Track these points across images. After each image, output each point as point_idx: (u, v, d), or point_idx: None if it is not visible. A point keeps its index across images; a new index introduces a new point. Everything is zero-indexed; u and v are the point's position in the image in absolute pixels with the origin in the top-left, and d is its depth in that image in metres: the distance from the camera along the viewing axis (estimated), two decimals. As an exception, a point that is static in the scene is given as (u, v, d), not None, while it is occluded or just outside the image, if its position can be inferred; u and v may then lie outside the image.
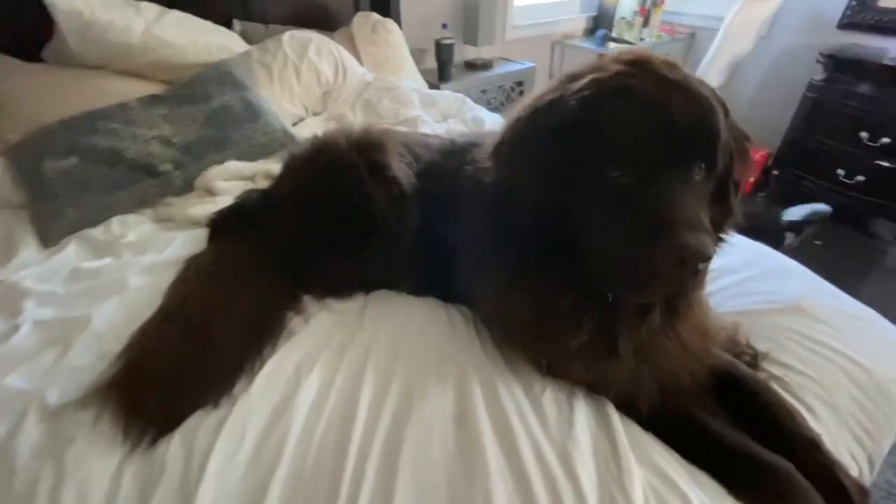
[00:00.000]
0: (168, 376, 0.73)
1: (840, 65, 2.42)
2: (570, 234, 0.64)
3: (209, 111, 1.32)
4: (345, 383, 0.74)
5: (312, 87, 1.62)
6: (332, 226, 0.90)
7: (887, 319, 0.95)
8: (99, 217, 1.16)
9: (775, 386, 0.78)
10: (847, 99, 2.39)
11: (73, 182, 1.17)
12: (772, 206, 2.50)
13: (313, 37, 1.67)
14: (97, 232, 1.13)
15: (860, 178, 2.41)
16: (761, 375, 0.79)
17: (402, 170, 0.91)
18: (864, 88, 2.34)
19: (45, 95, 1.35)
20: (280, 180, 1.00)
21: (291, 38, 1.63)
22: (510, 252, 0.72)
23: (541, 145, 0.63)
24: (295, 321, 0.86)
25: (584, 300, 0.66)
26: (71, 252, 1.08)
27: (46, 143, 1.22)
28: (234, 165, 1.27)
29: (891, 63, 2.29)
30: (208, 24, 1.63)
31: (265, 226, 0.96)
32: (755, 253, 1.10)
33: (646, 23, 3.01)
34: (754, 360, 0.83)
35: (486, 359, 0.78)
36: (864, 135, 2.35)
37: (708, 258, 0.55)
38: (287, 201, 0.94)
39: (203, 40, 1.57)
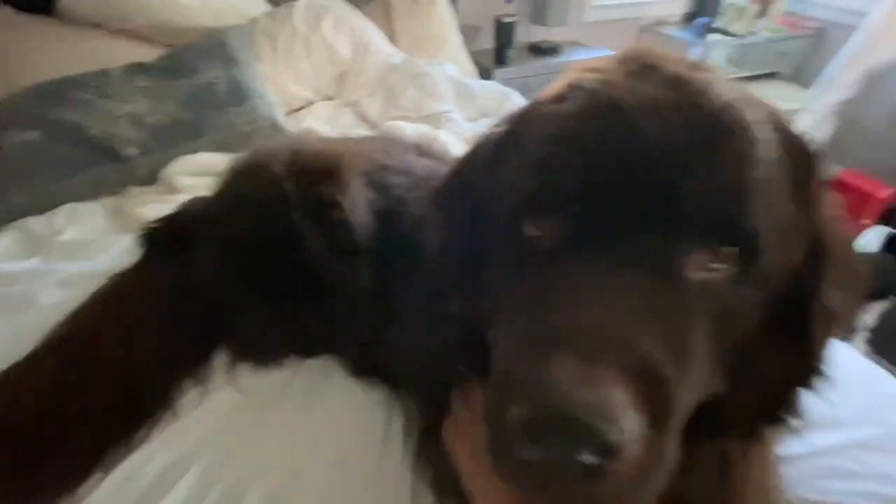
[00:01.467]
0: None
1: None
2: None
3: (190, 89, 1.13)
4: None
5: (324, 66, 1.38)
6: (257, 273, 0.67)
7: None
8: (48, 204, 1.02)
9: None
10: None
11: (29, 160, 1.03)
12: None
13: (333, 6, 1.41)
14: (39, 223, 0.99)
15: None
16: None
17: (358, 209, 0.66)
18: None
19: (33, 53, 1.23)
20: (217, 196, 0.78)
21: (308, 6, 1.38)
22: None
23: (459, 193, 0.42)
24: (188, 397, 0.66)
25: None
26: (2, 246, 0.94)
27: (14, 111, 1.09)
28: (204, 158, 1.08)
29: None
30: (226, -19, 1.42)
31: (192, 250, 0.75)
32: (876, 394, 0.66)
33: (763, 12, 2.46)
34: None
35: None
36: None
37: (593, 440, 0.24)
38: (215, 226, 0.72)
39: (215, 0, 1.37)
